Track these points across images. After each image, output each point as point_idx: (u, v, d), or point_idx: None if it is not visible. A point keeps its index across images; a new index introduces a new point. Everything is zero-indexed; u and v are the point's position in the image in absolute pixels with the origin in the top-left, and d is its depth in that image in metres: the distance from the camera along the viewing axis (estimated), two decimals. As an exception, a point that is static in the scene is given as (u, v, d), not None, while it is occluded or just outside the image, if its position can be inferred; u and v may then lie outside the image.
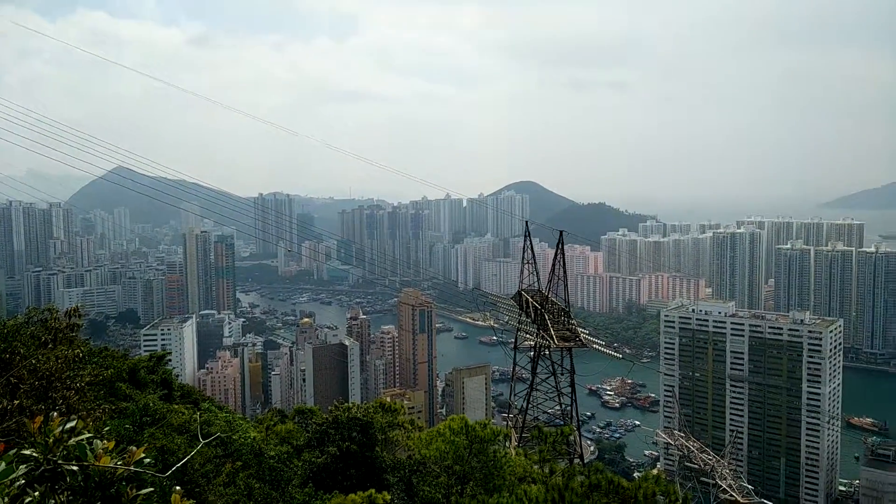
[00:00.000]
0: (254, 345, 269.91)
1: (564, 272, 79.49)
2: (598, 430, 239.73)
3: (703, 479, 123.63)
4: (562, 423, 74.84)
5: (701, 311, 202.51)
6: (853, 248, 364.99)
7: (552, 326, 76.56)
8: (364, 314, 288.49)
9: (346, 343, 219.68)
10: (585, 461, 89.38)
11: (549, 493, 27.82)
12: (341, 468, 26.13)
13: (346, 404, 29.76)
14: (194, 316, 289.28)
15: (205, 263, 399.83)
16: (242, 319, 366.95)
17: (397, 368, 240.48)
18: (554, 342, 75.09)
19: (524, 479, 32.09)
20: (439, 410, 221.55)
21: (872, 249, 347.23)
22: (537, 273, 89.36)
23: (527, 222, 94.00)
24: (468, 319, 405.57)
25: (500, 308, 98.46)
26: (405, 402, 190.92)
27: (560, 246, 79.52)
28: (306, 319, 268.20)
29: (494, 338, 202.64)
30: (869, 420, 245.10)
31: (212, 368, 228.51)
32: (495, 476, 29.23)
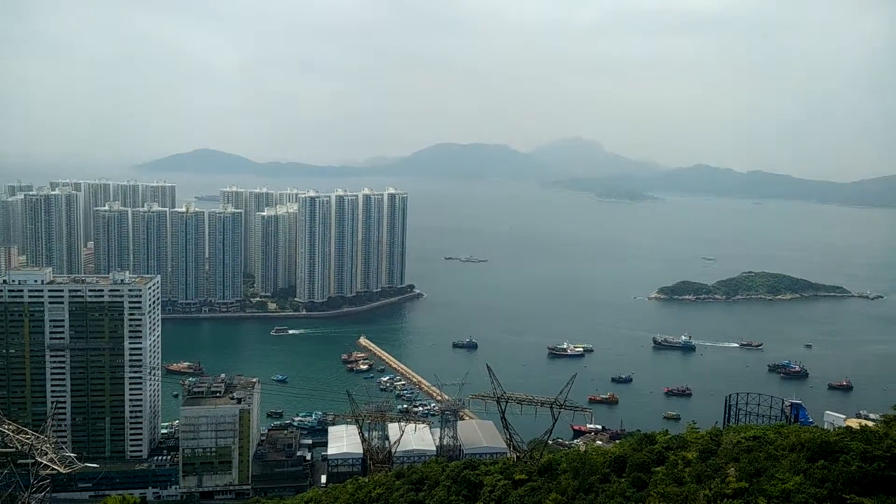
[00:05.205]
0: None
1: None
2: None
3: (21, 461, 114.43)
4: None
5: (14, 280, 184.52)
6: (167, 209, 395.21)
7: None
8: None
9: None
10: None
11: None
12: None
13: None
14: None
15: None
16: None
17: None
18: None
19: None
20: None
21: (184, 210, 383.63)
22: None
23: None
24: None
25: None
26: None
27: None
28: None
29: None
30: (186, 364, 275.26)
31: None
32: None
